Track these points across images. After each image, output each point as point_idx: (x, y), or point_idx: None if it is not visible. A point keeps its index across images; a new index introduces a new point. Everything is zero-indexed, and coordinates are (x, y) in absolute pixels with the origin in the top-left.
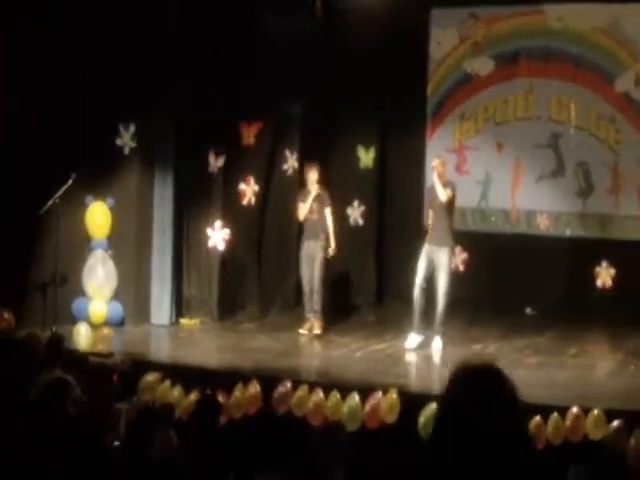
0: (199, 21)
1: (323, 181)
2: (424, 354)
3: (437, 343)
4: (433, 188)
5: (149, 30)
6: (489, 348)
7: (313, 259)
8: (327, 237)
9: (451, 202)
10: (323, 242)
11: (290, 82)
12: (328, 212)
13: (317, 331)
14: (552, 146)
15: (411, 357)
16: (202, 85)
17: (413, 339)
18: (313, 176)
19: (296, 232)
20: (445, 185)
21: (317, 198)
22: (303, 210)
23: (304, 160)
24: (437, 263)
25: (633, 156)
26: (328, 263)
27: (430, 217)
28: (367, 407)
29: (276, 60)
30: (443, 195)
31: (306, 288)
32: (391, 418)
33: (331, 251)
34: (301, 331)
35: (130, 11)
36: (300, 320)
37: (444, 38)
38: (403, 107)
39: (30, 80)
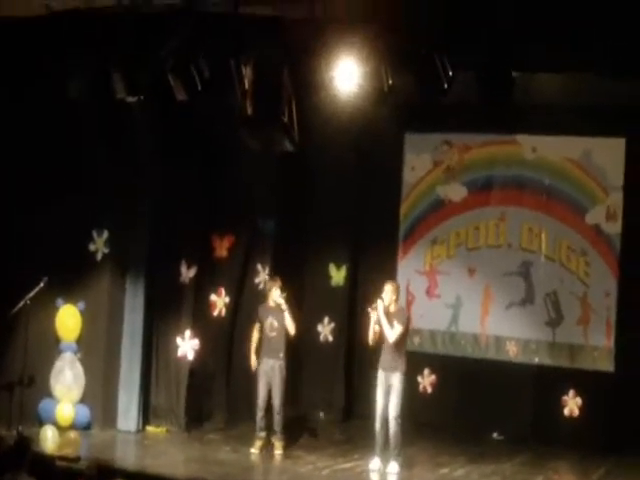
0: (175, 137)
1: (288, 295)
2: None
3: (393, 468)
4: (378, 318)
5: (124, 142)
6: (456, 472)
7: (272, 378)
8: (285, 356)
9: (403, 333)
10: (282, 361)
11: (263, 199)
12: (287, 322)
13: (279, 451)
14: (522, 274)
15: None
16: (176, 197)
17: (376, 463)
18: (276, 292)
19: None
20: (394, 316)
21: (275, 314)
22: (255, 335)
23: (277, 274)
24: (390, 388)
25: (602, 288)
26: (287, 382)
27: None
28: None
29: (250, 177)
30: (391, 336)
31: (261, 406)
32: None
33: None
34: (253, 450)
35: (105, 124)
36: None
37: (418, 163)
38: (376, 227)
39: (4, 182)
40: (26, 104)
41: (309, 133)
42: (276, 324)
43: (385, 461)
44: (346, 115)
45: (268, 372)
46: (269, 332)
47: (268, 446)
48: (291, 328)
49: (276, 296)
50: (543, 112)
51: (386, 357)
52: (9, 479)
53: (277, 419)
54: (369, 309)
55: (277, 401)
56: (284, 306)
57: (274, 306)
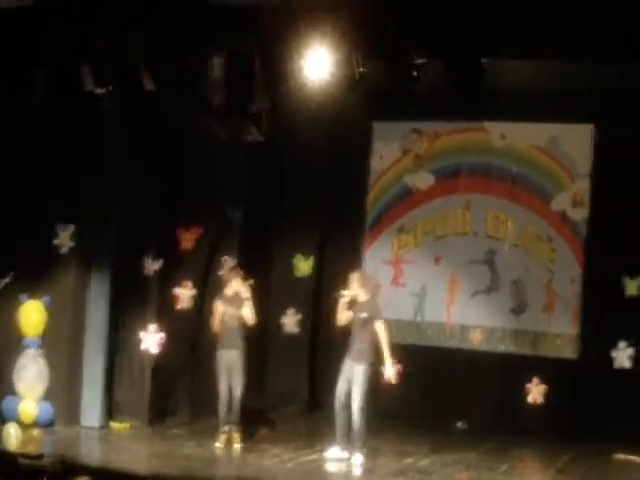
0: (142, 128)
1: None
2: (353, 467)
3: (357, 459)
4: (355, 301)
5: (90, 134)
6: (421, 462)
7: (232, 370)
8: (246, 346)
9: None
10: (242, 351)
11: (231, 189)
12: (246, 311)
13: (237, 444)
14: (488, 262)
15: (340, 469)
16: (143, 189)
17: (333, 452)
18: (236, 281)
19: None
20: (363, 308)
21: (234, 304)
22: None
23: (244, 266)
24: (353, 379)
25: (567, 275)
26: (249, 373)
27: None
28: None
29: (218, 167)
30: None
31: (223, 400)
32: None
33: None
34: (217, 445)
35: (72, 117)
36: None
37: (386, 151)
38: (343, 216)
39: None
40: None
41: (279, 122)
42: (235, 314)
43: (345, 449)
44: (316, 103)
45: (228, 363)
46: (229, 322)
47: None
48: (250, 319)
49: (236, 286)
50: (512, 98)
51: (353, 347)
52: None
53: (235, 411)
54: (337, 295)
55: (237, 392)
56: (245, 294)
57: (233, 295)
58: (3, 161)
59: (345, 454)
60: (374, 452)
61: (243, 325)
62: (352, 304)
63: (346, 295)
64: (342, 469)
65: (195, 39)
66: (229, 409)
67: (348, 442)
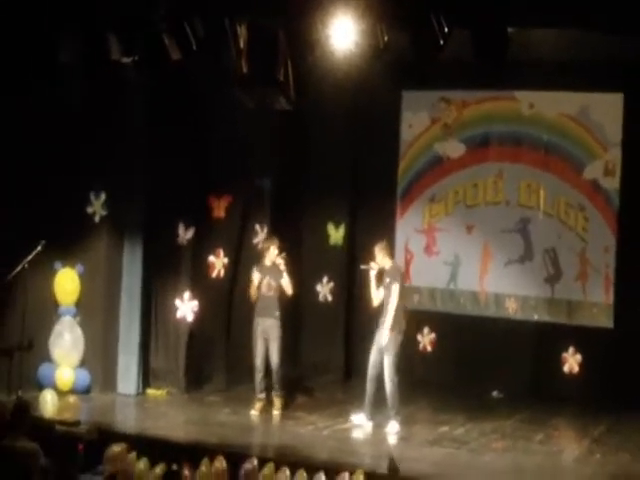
0: (170, 97)
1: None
2: (389, 435)
3: (392, 427)
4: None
5: (119, 103)
6: (456, 430)
7: (269, 338)
8: (281, 315)
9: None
10: (278, 320)
11: (260, 158)
12: (285, 281)
13: (277, 411)
14: (521, 231)
15: (379, 438)
16: (173, 158)
17: (358, 418)
18: (274, 251)
19: None
20: (386, 275)
21: (272, 274)
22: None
23: (275, 234)
24: (384, 346)
25: (600, 244)
26: (285, 342)
27: (378, 299)
28: None
29: (246, 136)
30: (376, 300)
31: (259, 368)
32: None
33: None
34: (253, 412)
35: (100, 86)
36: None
37: (415, 120)
38: (374, 185)
39: (1, 145)
40: (20, 68)
41: (305, 91)
42: (273, 284)
43: (371, 418)
44: (342, 73)
45: (265, 331)
46: (266, 291)
47: (268, 407)
48: (288, 289)
49: (273, 255)
50: (540, 68)
51: (381, 316)
52: (9, 443)
53: (275, 378)
54: (362, 267)
55: (275, 360)
56: (282, 266)
57: (271, 265)
58: (35, 131)
59: (370, 423)
60: (409, 420)
61: (280, 294)
62: (381, 275)
63: (373, 267)
64: (378, 437)
65: (220, 7)
66: (265, 377)
67: (375, 411)
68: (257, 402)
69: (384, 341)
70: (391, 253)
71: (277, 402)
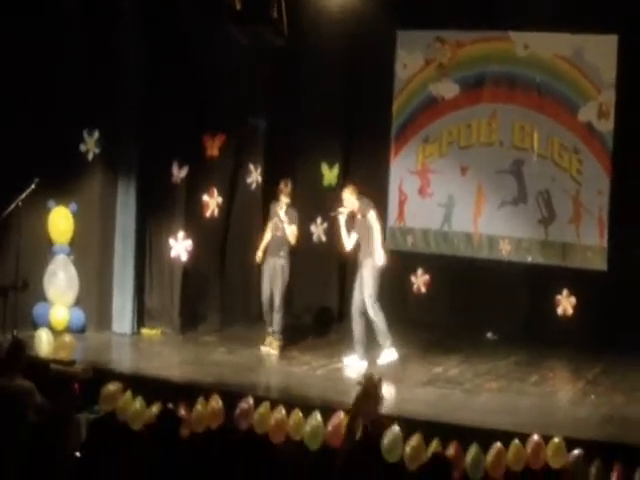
0: (163, 35)
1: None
2: (385, 374)
3: (391, 354)
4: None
5: (112, 40)
6: (450, 372)
7: (274, 277)
8: (288, 255)
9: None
10: (284, 260)
11: (256, 97)
12: (292, 229)
13: (274, 351)
14: (514, 172)
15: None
16: (166, 96)
17: (351, 359)
18: (287, 191)
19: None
20: (358, 212)
21: (285, 215)
22: (266, 233)
23: (269, 174)
24: (362, 282)
25: (594, 186)
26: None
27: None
28: (329, 427)
29: (240, 75)
30: (349, 245)
31: (266, 304)
32: None
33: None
34: (262, 347)
35: (93, 22)
36: (261, 335)
37: (410, 60)
38: (368, 126)
39: None
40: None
41: (300, 29)
42: (280, 224)
43: (363, 357)
44: (337, 11)
45: (270, 270)
46: (274, 231)
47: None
48: (292, 238)
49: (283, 203)
50: (535, 9)
51: (359, 252)
52: (4, 383)
53: (276, 318)
54: (331, 213)
55: (277, 300)
56: (284, 218)
57: (286, 208)
58: (27, 66)
59: (364, 363)
60: (403, 361)
61: (287, 235)
62: (352, 219)
63: (342, 212)
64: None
65: None
66: (270, 316)
67: (367, 351)
68: (267, 337)
69: (364, 274)
70: (359, 194)
71: (274, 344)
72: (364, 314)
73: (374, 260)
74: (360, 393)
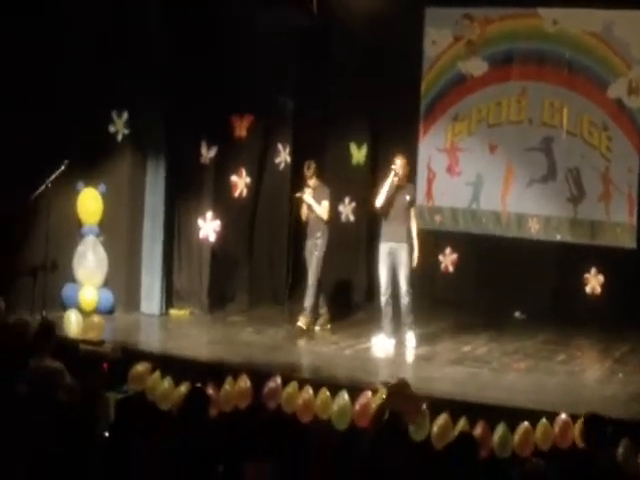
0: (191, 15)
1: (319, 177)
2: (413, 354)
3: (410, 340)
4: (393, 186)
5: (140, 23)
6: (478, 350)
7: (310, 257)
8: (324, 233)
9: (412, 204)
10: (319, 240)
11: (284, 77)
12: (324, 205)
13: (321, 326)
14: (544, 150)
15: (400, 357)
16: (194, 77)
17: (381, 338)
18: (309, 174)
19: (287, 226)
20: (404, 188)
21: (315, 195)
22: (304, 212)
23: (297, 154)
24: (396, 260)
25: (624, 164)
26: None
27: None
28: (357, 406)
29: (271, 55)
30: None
31: (310, 284)
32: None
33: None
34: (298, 324)
35: (120, 6)
36: (292, 314)
37: (438, 37)
38: (396, 105)
39: (23, 65)
40: None
41: (328, 8)
42: (309, 209)
43: (392, 336)
44: None
45: (308, 251)
46: (309, 213)
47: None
48: (324, 215)
49: (309, 187)
50: None
51: (391, 229)
52: (34, 363)
53: (313, 296)
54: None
55: (311, 279)
56: (311, 201)
57: (313, 187)
58: (57, 49)
59: (393, 341)
60: (432, 339)
61: (320, 216)
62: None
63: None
64: (400, 356)
65: None
66: (315, 293)
67: (395, 330)
68: (304, 317)
69: (402, 254)
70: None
71: (324, 320)
72: (394, 294)
73: (413, 247)
74: (387, 396)
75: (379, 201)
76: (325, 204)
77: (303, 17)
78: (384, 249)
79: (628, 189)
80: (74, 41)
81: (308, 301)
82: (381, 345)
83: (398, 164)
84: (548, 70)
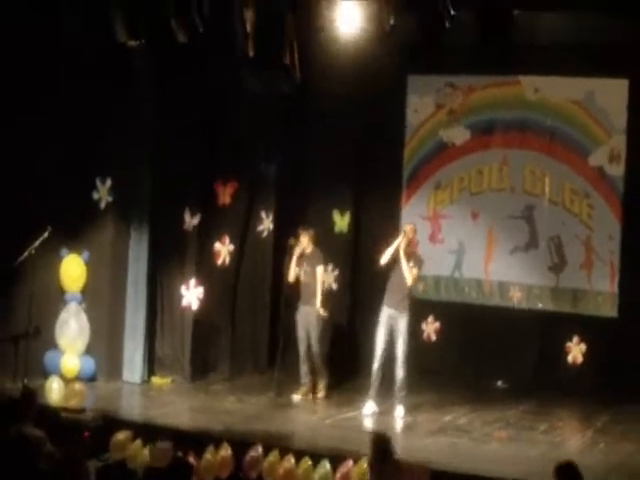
0: (176, 81)
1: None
2: (394, 423)
3: (399, 412)
4: (397, 250)
5: (125, 88)
6: (460, 420)
7: (309, 323)
8: (322, 302)
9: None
10: (317, 307)
11: (267, 143)
12: (319, 271)
13: (321, 393)
14: (526, 218)
15: (381, 426)
16: (178, 143)
17: (370, 407)
18: (304, 240)
19: (270, 294)
20: (412, 257)
21: (310, 261)
22: (291, 272)
23: (280, 221)
24: (395, 330)
25: (605, 231)
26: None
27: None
28: (338, 475)
29: (251, 121)
30: (409, 278)
31: (301, 353)
32: None
33: (321, 312)
34: (294, 396)
35: (106, 70)
36: (270, 383)
37: (420, 105)
38: (379, 171)
39: (5, 129)
40: (23, 49)
41: (311, 75)
42: (309, 271)
43: (380, 403)
44: (349, 57)
45: (305, 318)
46: (305, 279)
47: (310, 392)
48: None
49: (306, 243)
50: (545, 52)
51: (393, 296)
52: (15, 431)
53: (317, 363)
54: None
55: (315, 345)
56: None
57: (309, 253)
58: (41, 116)
59: (377, 408)
60: (414, 409)
61: (316, 282)
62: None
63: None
64: (382, 425)
65: None
66: (309, 362)
67: (381, 397)
68: (302, 387)
69: (401, 324)
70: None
71: (321, 387)
72: (385, 364)
73: (409, 313)
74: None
75: (383, 259)
76: (320, 270)
77: (287, 83)
78: (384, 314)
79: (610, 257)
80: (58, 106)
81: (320, 368)
82: (369, 413)
83: (408, 228)
84: (530, 138)
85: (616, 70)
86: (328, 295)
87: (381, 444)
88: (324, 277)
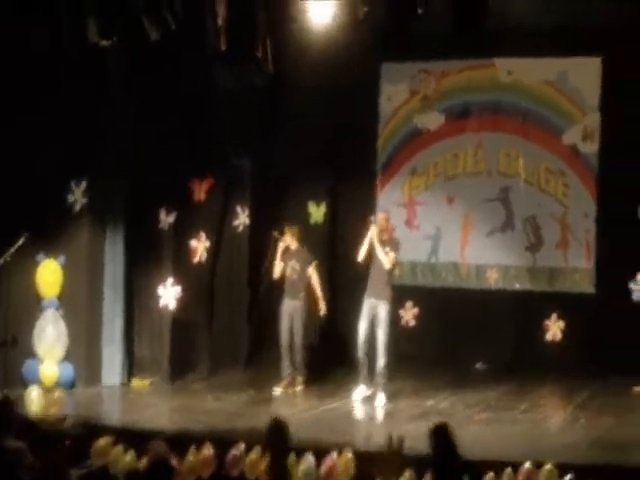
0: (148, 80)
1: (301, 240)
2: (376, 412)
3: (380, 400)
4: (370, 242)
5: (98, 88)
6: (441, 404)
7: (293, 319)
8: (305, 296)
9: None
10: (303, 302)
11: (241, 138)
12: (310, 271)
13: (300, 387)
14: (502, 200)
15: (363, 415)
16: (153, 142)
17: (360, 391)
18: (288, 236)
19: (247, 289)
20: (387, 244)
21: (297, 257)
22: (277, 268)
23: (256, 215)
24: (376, 317)
25: (581, 209)
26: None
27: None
28: (323, 469)
29: (224, 116)
30: (386, 262)
31: (284, 346)
32: (346, 479)
33: (322, 311)
34: (275, 389)
35: (78, 70)
36: (250, 380)
37: (394, 93)
38: (354, 160)
39: None
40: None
41: (284, 67)
42: (297, 267)
43: (369, 387)
44: (321, 48)
45: (290, 312)
46: (291, 274)
47: (291, 385)
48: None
49: (289, 240)
50: (518, 34)
51: (374, 286)
52: None
53: (299, 357)
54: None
55: (298, 340)
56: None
57: (295, 250)
58: (12, 117)
59: (369, 391)
60: (395, 395)
61: (304, 278)
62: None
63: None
64: (364, 413)
65: None
66: (291, 356)
67: (371, 381)
68: (283, 380)
69: (381, 312)
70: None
71: (299, 380)
72: (369, 351)
73: (390, 302)
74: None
75: (360, 256)
76: (311, 270)
77: (259, 77)
78: (366, 304)
79: (585, 234)
80: (32, 108)
81: (300, 362)
82: (359, 398)
83: (379, 216)
84: (503, 120)
85: (588, 49)
86: (308, 287)
87: (276, 430)
88: (313, 274)
